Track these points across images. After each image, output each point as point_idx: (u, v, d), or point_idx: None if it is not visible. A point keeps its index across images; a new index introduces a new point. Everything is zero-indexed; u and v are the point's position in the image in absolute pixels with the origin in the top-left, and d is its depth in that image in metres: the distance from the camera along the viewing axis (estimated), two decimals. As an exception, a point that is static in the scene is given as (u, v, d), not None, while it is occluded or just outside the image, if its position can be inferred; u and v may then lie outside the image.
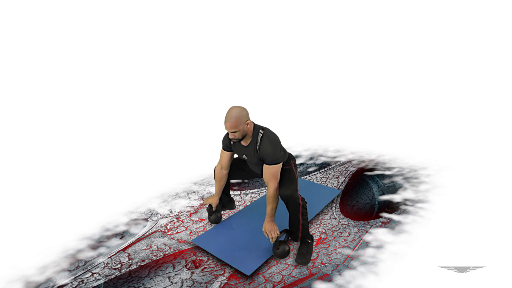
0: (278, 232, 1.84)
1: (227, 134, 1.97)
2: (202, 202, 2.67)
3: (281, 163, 1.83)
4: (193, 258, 1.96)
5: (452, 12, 6.04)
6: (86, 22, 5.91)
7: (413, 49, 6.33)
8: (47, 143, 3.99)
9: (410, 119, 4.74)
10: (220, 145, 2.96)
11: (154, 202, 2.70)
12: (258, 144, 1.82)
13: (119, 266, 1.91)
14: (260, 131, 1.84)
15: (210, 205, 2.25)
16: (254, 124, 1.86)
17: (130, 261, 1.95)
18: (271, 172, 1.80)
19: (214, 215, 2.26)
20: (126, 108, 5.38)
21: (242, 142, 1.90)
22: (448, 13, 6.07)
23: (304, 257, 1.89)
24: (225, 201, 2.38)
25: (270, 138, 1.82)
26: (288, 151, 3.31)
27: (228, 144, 2.03)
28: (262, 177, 2.06)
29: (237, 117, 1.72)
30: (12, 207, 2.62)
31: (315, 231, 2.20)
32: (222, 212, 2.47)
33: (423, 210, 2.40)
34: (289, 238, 1.99)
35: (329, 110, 5.38)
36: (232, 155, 2.09)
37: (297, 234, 1.91)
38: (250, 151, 1.90)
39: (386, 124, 4.61)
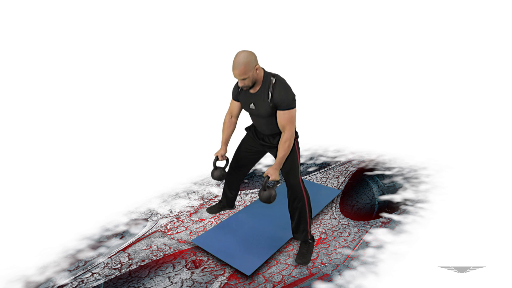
0: (277, 179, 1.71)
1: (237, 82, 1.79)
2: (202, 202, 2.67)
3: (296, 108, 1.71)
4: (193, 258, 1.96)
5: (452, 12, 6.04)
6: (86, 22, 5.91)
7: (413, 49, 6.33)
8: (47, 143, 3.98)
9: (410, 119, 4.74)
10: (219, 145, 2.96)
11: (154, 202, 2.70)
12: (270, 89, 1.68)
13: (119, 266, 1.91)
14: (271, 77, 1.71)
15: (216, 157, 2.02)
16: (264, 70, 1.72)
17: (130, 261, 1.95)
18: (287, 117, 1.67)
19: (218, 170, 2.03)
20: (126, 108, 5.37)
21: (251, 90, 1.75)
22: (448, 13, 6.07)
23: (304, 257, 1.89)
24: (229, 199, 2.27)
25: (283, 83, 1.69)
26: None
27: (237, 93, 1.88)
28: (267, 150, 1.93)
29: (245, 62, 1.57)
30: (12, 207, 2.62)
31: (315, 231, 2.20)
32: (222, 212, 2.47)
33: (423, 210, 2.40)
34: (277, 184, 1.84)
35: (329, 110, 5.37)
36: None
37: (306, 232, 1.87)
38: (259, 99, 1.74)
39: (386, 124, 4.61)
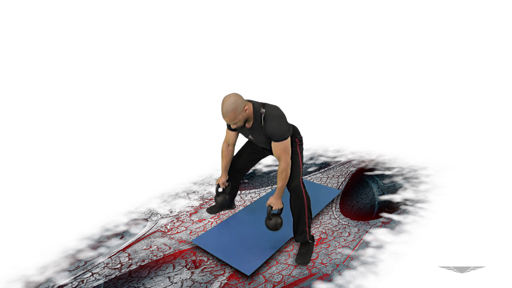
0: (281, 207, 1.80)
1: None
2: (202, 202, 2.67)
3: (289, 136, 1.75)
4: (193, 258, 1.96)
5: (452, 12, 6.04)
6: (85, 22, 5.91)
7: (413, 49, 6.33)
8: (47, 144, 3.99)
9: (410, 119, 4.74)
10: (220, 146, 2.96)
11: (154, 202, 2.70)
12: (262, 123, 1.73)
13: (119, 266, 1.91)
14: (262, 110, 1.73)
15: (218, 185, 2.10)
16: (253, 104, 1.74)
17: (130, 261, 1.95)
18: (281, 148, 1.72)
19: (221, 196, 2.10)
20: (126, 108, 5.37)
21: (246, 125, 1.80)
22: (448, 13, 6.07)
23: (304, 257, 1.89)
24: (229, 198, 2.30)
25: (273, 115, 1.72)
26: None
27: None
28: (272, 154, 1.98)
29: (233, 109, 1.62)
30: (12, 207, 2.62)
31: (315, 231, 2.20)
32: (222, 212, 2.47)
33: (423, 210, 2.40)
34: (281, 211, 1.89)
35: (329, 110, 5.38)
36: (238, 133, 2.02)
37: (305, 233, 1.89)
38: (255, 132, 1.81)
39: (386, 124, 4.61)
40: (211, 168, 3.33)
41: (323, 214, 2.42)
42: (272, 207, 1.79)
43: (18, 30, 5.33)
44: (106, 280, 1.79)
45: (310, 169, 3.29)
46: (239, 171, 2.15)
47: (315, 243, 2.06)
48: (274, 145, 1.74)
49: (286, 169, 1.75)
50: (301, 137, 1.97)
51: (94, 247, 2.10)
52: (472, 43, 5.96)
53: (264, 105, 1.76)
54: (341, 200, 2.64)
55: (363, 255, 1.93)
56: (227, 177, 2.10)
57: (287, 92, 6.20)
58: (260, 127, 1.75)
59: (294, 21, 6.91)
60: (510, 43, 5.70)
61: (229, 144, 2.04)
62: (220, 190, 2.11)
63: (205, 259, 1.95)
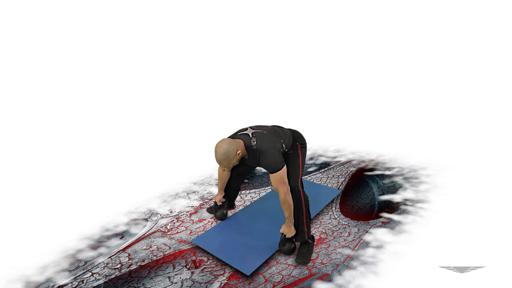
0: (293, 233, 1.90)
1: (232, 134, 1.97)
2: (202, 202, 2.67)
3: (285, 166, 1.81)
4: (193, 258, 1.96)
5: (451, 12, 6.04)
6: (85, 22, 5.91)
7: (412, 49, 6.33)
8: (47, 144, 3.99)
9: (410, 119, 4.74)
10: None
11: (154, 202, 2.70)
12: (257, 158, 1.81)
13: (119, 266, 1.91)
14: (253, 145, 1.79)
15: (215, 202, 2.30)
16: (244, 142, 1.80)
17: (130, 261, 1.95)
18: (277, 179, 1.79)
19: (219, 211, 2.29)
20: (126, 108, 5.37)
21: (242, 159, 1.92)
22: (448, 13, 6.07)
23: (304, 257, 1.89)
24: (230, 199, 2.37)
25: (264, 150, 1.77)
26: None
27: None
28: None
29: (226, 157, 1.71)
30: (12, 207, 2.62)
31: (315, 231, 2.20)
32: (222, 212, 2.47)
33: (423, 210, 2.40)
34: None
35: (329, 110, 5.38)
36: None
37: (303, 233, 1.92)
38: (252, 162, 1.90)
39: (386, 124, 4.61)
40: (211, 168, 3.33)
41: (323, 214, 2.42)
42: (285, 235, 1.90)
43: (18, 30, 5.33)
44: (106, 280, 1.79)
45: (310, 169, 3.29)
46: (240, 174, 2.23)
47: (315, 243, 2.06)
48: (271, 176, 1.82)
49: (286, 199, 1.81)
50: (304, 141, 2.05)
51: (94, 247, 2.10)
52: (472, 43, 5.96)
53: (255, 136, 1.81)
54: (341, 200, 2.64)
55: (363, 255, 1.93)
56: (223, 194, 2.25)
57: (288, 93, 6.20)
58: (255, 160, 1.83)
59: (295, 22, 6.91)
60: (510, 43, 5.70)
61: (225, 169, 2.16)
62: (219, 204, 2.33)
63: (205, 259, 1.95)
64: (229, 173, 2.19)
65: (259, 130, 1.87)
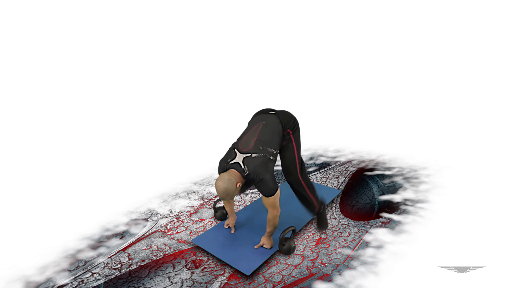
0: (272, 245, 1.97)
1: (222, 160, 1.88)
2: (202, 202, 2.67)
3: (278, 192, 1.81)
4: (193, 258, 1.96)
5: (451, 12, 6.04)
6: (85, 22, 5.91)
7: (412, 49, 6.33)
8: (47, 144, 3.99)
9: (410, 119, 4.74)
10: (219, 146, 2.96)
11: (154, 202, 2.70)
12: (255, 183, 1.80)
13: (119, 266, 1.91)
14: (246, 173, 1.76)
15: (215, 203, 2.40)
16: (240, 174, 1.77)
17: (130, 261, 1.95)
18: (270, 204, 1.83)
19: (219, 211, 2.36)
20: (126, 108, 5.38)
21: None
22: (448, 13, 6.07)
23: (321, 225, 2.15)
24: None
25: (259, 179, 1.76)
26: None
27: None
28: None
29: (227, 193, 1.72)
30: (12, 207, 2.62)
31: (315, 231, 2.21)
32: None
33: (423, 210, 2.40)
34: (294, 234, 2.07)
35: (329, 110, 5.38)
36: None
37: (313, 208, 2.08)
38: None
39: (386, 124, 4.61)
40: (211, 168, 3.33)
41: (323, 214, 2.42)
42: (284, 234, 1.95)
43: (18, 30, 5.34)
44: (106, 280, 1.79)
45: (310, 169, 3.29)
46: None
47: (315, 243, 2.07)
48: (263, 199, 1.84)
49: (273, 220, 1.88)
50: (294, 123, 1.96)
51: (94, 247, 2.10)
52: (472, 43, 5.96)
53: (247, 165, 1.76)
54: (341, 200, 2.64)
55: (363, 255, 1.93)
56: (235, 216, 2.24)
57: (288, 92, 6.20)
58: (256, 185, 1.82)
59: (295, 22, 6.91)
60: (510, 43, 5.69)
61: None
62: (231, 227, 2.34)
63: (205, 259, 1.95)
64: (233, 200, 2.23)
65: (248, 155, 1.79)
